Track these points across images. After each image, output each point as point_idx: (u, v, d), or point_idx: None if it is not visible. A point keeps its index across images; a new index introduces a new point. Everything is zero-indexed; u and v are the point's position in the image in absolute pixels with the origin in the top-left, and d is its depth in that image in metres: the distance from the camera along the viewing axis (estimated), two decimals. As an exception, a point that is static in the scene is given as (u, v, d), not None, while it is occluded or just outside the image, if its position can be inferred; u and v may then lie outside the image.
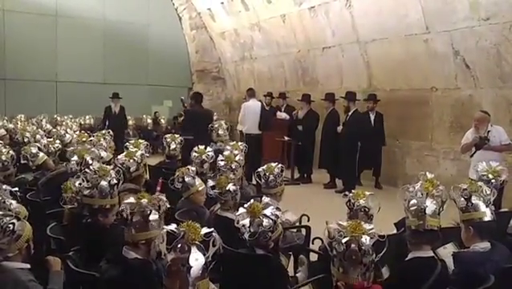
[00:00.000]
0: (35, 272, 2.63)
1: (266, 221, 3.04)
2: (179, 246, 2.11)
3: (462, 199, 3.06)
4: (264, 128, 9.49)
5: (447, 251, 3.23)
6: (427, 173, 3.43)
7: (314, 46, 11.24)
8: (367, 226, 2.40)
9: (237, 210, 3.24)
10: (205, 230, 2.17)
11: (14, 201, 3.18)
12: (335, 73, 10.79)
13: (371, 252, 2.33)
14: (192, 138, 7.54)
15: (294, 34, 11.71)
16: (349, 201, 3.48)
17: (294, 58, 12.11)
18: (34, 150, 5.75)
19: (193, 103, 8.98)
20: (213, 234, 2.17)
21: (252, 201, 3.19)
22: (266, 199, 3.23)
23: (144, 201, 2.77)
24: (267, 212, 3.07)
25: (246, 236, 3.03)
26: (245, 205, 3.16)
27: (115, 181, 3.50)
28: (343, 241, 2.34)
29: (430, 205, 2.88)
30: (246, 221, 3.06)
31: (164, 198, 2.91)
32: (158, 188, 5.04)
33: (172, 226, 2.19)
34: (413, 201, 2.93)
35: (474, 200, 3.04)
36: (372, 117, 9.12)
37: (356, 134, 8.66)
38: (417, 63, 8.66)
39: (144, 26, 15.17)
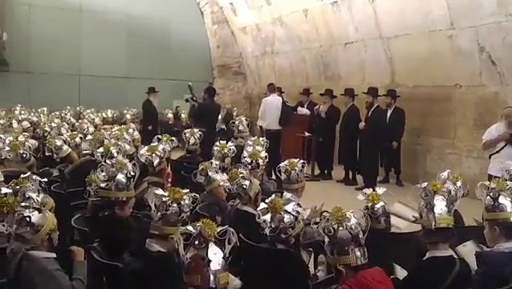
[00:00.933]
0: (60, 261, 2.69)
1: (287, 217, 3.04)
2: (196, 242, 2.14)
3: (489, 198, 3.00)
4: (284, 124, 9.47)
5: (467, 249, 3.19)
6: (446, 172, 3.37)
7: (336, 41, 11.17)
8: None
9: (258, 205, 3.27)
10: (220, 228, 2.19)
11: (41, 194, 3.23)
12: (357, 69, 10.70)
13: (359, 228, 2.50)
14: (204, 130, 7.59)
15: (317, 29, 11.65)
16: (367, 208, 3.42)
17: (316, 53, 12.05)
18: (58, 143, 5.84)
19: (205, 97, 9.34)
20: (229, 230, 2.19)
21: (273, 196, 3.20)
22: (287, 195, 3.23)
23: (178, 196, 2.80)
24: (288, 208, 3.07)
25: (267, 231, 3.05)
26: (267, 201, 3.17)
27: (131, 174, 3.54)
28: (332, 226, 2.49)
29: (439, 204, 2.85)
30: (267, 217, 3.07)
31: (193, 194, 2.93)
32: (169, 179, 5.04)
33: (189, 227, 2.22)
34: (422, 201, 2.91)
35: (502, 199, 2.98)
36: (389, 114, 8.97)
37: (377, 130, 8.59)
38: (441, 60, 8.53)
39: (166, 20, 15.27)
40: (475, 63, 7.92)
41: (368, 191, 3.52)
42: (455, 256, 2.88)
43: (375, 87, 8.88)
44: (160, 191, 2.86)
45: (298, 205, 3.18)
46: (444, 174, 3.45)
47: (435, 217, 2.81)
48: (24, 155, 5.17)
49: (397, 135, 8.94)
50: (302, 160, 4.55)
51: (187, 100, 10.68)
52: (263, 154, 5.25)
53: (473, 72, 8.02)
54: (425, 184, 2.98)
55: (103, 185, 3.47)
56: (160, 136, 6.01)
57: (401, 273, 3.11)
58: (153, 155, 4.85)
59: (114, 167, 3.50)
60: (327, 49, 11.62)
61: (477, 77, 7.97)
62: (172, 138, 5.99)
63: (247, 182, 4.02)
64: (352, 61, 10.80)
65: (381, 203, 3.44)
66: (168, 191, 2.85)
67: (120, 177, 3.46)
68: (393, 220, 3.77)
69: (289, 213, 3.05)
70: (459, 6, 7.87)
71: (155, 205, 2.76)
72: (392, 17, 9.27)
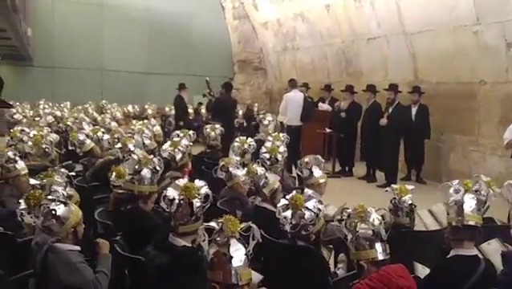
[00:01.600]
0: (85, 254, 2.73)
1: (307, 214, 3.03)
2: (218, 238, 2.14)
3: None
4: (305, 120, 9.43)
5: (491, 248, 3.15)
6: (482, 176, 3.31)
7: (358, 37, 11.06)
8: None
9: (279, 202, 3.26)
10: (243, 224, 2.19)
11: (67, 187, 3.27)
12: (379, 65, 10.59)
13: (380, 224, 2.51)
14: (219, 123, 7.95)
15: (339, 25, 11.55)
16: (394, 198, 3.42)
17: (338, 49, 11.95)
18: (81, 137, 5.93)
19: (222, 92, 9.58)
20: (253, 227, 2.19)
21: (294, 193, 3.19)
22: (308, 192, 3.21)
23: (196, 194, 2.81)
24: (309, 204, 3.06)
25: (288, 228, 3.04)
26: (287, 197, 3.16)
27: (157, 169, 3.58)
28: (355, 221, 2.52)
29: (469, 202, 2.83)
30: (288, 213, 3.06)
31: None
32: (185, 176, 5.01)
33: (211, 223, 2.22)
34: (452, 198, 2.89)
35: None
36: (414, 111, 8.85)
37: (399, 127, 8.49)
38: (465, 56, 8.37)
39: (187, 16, 15.32)
40: (501, 59, 7.75)
41: (396, 186, 3.51)
42: (480, 256, 2.84)
43: (396, 84, 8.77)
44: (170, 191, 2.87)
45: (320, 201, 3.16)
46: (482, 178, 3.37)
47: (464, 215, 2.77)
48: (46, 149, 5.27)
49: (426, 132, 8.82)
50: (318, 156, 4.54)
51: (204, 95, 10.85)
52: (282, 149, 5.23)
53: (499, 69, 7.85)
54: (456, 182, 2.95)
55: (128, 178, 3.51)
56: (178, 132, 6.06)
57: (422, 272, 3.08)
58: (176, 150, 4.88)
59: (140, 162, 3.54)
60: (349, 45, 11.51)
61: (503, 73, 7.80)
62: (190, 133, 6.03)
63: (262, 180, 4.01)
64: (374, 57, 10.68)
65: (409, 197, 3.42)
66: (183, 190, 2.84)
67: (146, 171, 3.51)
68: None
69: (310, 209, 3.04)
70: (485, 1, 7.70)
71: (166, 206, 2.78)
72: (415, 12, 9.13)
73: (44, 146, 5.26)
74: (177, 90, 12.05)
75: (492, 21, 7.69)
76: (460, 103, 8.65)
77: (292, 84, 9.69)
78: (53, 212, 2.66)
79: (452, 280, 2.68)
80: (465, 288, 2.64)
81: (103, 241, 2.86)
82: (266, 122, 7.58)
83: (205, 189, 2.85)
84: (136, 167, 3.53)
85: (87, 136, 6.10)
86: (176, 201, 2.77)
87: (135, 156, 3.65)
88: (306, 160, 4.45)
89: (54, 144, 5.61)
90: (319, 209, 3.07)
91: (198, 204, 2.79)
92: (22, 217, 3.10)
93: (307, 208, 3.04)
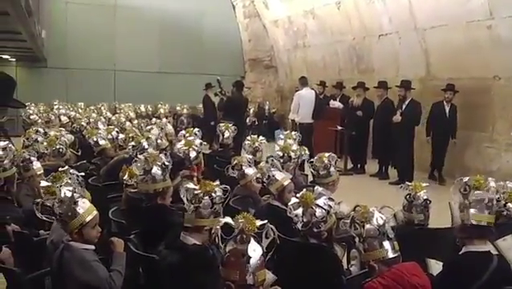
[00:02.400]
0: (99, 252, 2.76)
1: (318, 212, 3.04)
2: (238, 237, 2.14)
3: None
4: (317, 117, 9.41)
5: (507, 243, 3.12)
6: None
7: (369, 33, 11.00)
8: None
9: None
10: (259, 222, 2.20)
11: (77, 187, 3.31)
12: (391, 61, 10.51)
13: (385, 222, 2.50)
14: (230, 121, 8.15)
15: (350, 21, 11.49)
16: (409, 194, 3.40)
17: (349, 45, 11.90)
18: (95, 137, 6.00)
19: (234, 91, 9.74)
20: (267, 226, 2.19)
21: (304, 191, 3.19)
22: (318, 189, 3.22)
23: (210, 188, 2.83)
24: (320, 202, 3.06)
25: (299, 226, 3.05)
26: (298, 195, 3.17)
27: (166, 164, 3.61)
28: (359, 223, 2.53)
29: (475, 201, 2.79)
30: (299, 211, 3.07)
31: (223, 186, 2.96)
32: (194, 173, 5.01)
33: (228, 219, 2.23)
34: (460, 197, 2.87)
35: None
36: (447, 108, 8.58)
37: (413, 124, 8.43)
38: (479, 51, 8.28)
39: (198, 15, 15.37)
40: (516, 53, 7.66)
41: (411, 183, 3.49)
42: (493, 252, 2.81)
43: (408, 80, 8.71)
44: (191, 185, 2.90)
45: (330, 199, 3.17)
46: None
47: (470, 214, 2.75)
48: (60, 149, 5.33)
49: (455, 130, 8.63)
50: (332, 154, 4.53)
51: (216, 94, 10.88)
52: (295, 147, 5.24)
53: (513, 63, 7.76)
54: (466, 179, 2.92)
55: (140, 178, 3.55)
56: (184, 132, 6.10)
57: (436, 267, 3.07)
58: (190, 149, 4.92)
59: (147, 160, 3.58)
60: (360, 41, 11.45)
61: (518, 68, 7.70)
62: (196, 132, 6.07)
63: (269, 178, 4.02)
64: (386, 53, 10.61)
65: (424, 193, 3.39)
66: (200, 184, 2.88)
67: (156, 169, 3.54)
68: None
69: (320, 207, 3.04)
70: (499, -5, 7.61)
71: (187, 199, 2.80)
72: (427, 7, 9.05)
73: (58, 146, 5.32)
74: (204, 90, 12.08)
75: (506, 15, 7.59)
76: (474, 99, 8.56)
77: (303, 82, 9.68)
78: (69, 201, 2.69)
79: (464, 277, 2.67)
80: (477, 285, 2.62)
81: (118, 239, 2.88)
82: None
83: (221, 186, 2.89)
84: (145, 167, 3.57)
85: (101, 135, 6.16)
86: (197, 193, 2.80)
87: (141, 157, 3.69)
88: (324, 158, 4.43)
89: (69, 145, 5.68)
90: (330, 206, 3.07)
91: (218, 197, 2.82)
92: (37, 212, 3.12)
93: (318, 205, 3.05)
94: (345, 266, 3.42)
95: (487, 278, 2.63)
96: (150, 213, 3.48)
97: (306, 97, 9.40)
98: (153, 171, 3.54)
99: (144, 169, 3.56)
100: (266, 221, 2.22)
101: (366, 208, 2.57)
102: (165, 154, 3.78)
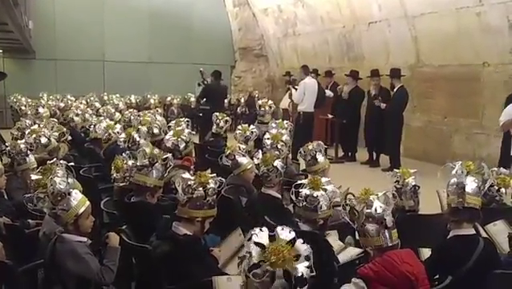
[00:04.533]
0: (91, 243, 2.76)
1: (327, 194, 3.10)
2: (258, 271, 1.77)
3: None
4: (318, 106, 9.43)
5: (496, 228, 3.17)
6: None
7: (359, 21, 10.98)
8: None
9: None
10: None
11: (69, 178, 3.29)
12: (381, 49, 10.52)
13: (385, 210, 2.48)
14: (208, 109, 9.12)
15: (340, 9, 11.46)
16: (397, 181, 3.43)
17: (339, 33, 11.88)
18: (92, 124, 5.99)
19: (212, 80, 10.11)
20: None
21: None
22: (324, 179, 3.24)
23: (207, 180, 2.83)
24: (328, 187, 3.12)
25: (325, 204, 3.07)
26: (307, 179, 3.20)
27: (168, 165, 3.59)
28: (359, 209, 2.52)
29: (470, 184, 2.84)
30: (320, 192, 3.10)
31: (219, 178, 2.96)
32: (186, 163, 4.98)
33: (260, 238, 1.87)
34: (453, 180, 2.90)
35: None
36: None
37: (400, 111, 8.47)
38: (468, 38, 8.31)
39: (187, 4, 15.24)
40: (505, 40, 7.69)
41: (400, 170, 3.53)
42: (485, 235, 2.85)
43: (397, 68, 8.72)
44: (187, 175, 2.90)
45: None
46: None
47: (464, 196, 2.79)
48: (49, 141, 5.29)
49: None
50: (320, 142, 4.57)
51: (199, 84, 11.00)
52: (285, 138, 5.26)
53: (502, 50, 7.79)
54: (459, 163, 2.95)
55: (139, 170, 3.51)
56: (173, 122, 6.08)
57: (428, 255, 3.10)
58: (179, 139, 4.90)
59: (155, 156, 3.56)
60: (350, 29, 11.44)
61: (507, 55, 7.74)
62: (182, 122, 6.05)
63: (282, 164, 4.03)
64: (376, 41, 10.61)
65: (412, 179, 3.43)
66: (195, 175, 2.88)
67: (159, 165, 3.51)
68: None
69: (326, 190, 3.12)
70: (487, -18, 7.63)
71: (181, 188, 2.80)
72: (417, -6, 9.05)
73: (48, 137, 5.29)
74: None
75: (495, 1, 7.62)
76: (463, 85, 8.61)
77: (306, 71, 9.62)
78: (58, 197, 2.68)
79: (452, 260, 2.71)
80: (465, 268, 2.66)
81: (115, 234, 2.87)
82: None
83: (216, 178, 2.89)
84: (150, 160, 3.54)
85: (89, 127, 6.15)
86: (191, 184, 2.79)
87: (148, 150, 3.67)
88: (310, 147, 4.48)
89: (59, 136, 5.64)
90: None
91: (212, 189, 2.82)
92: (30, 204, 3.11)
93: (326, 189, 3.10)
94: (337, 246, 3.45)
95: (474, 261, 2.67)
96: (135, 210, 3.45)
97: (311, 86, 9.36)
98: (157, 166, 3.50)
99: (149, 161, 3.53)
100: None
101: (367, 195, 2.57)
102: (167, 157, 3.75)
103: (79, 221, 2.70)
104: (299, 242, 1.86)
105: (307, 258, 1.81)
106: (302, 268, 1.78)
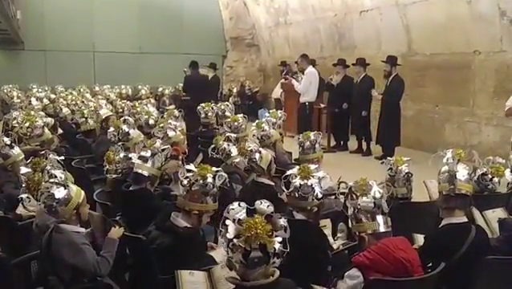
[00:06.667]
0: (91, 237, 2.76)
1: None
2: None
3: None
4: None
5: (495, 215, 3.20)
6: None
7: (351, 9, 10.95)
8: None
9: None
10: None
11: (59, 171, 3.27)
12: (372, 37, 10.51)
13: (381, 197, 2.52)
14: (189, 99, 9.50)
15: (331, -2, 11.42)
16: (390, 168, 3.45)
17: (331, 22, 11.84)
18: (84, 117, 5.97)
19: (191, 70, 10.35)
20: None
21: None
22: (312, 166, 3.24)
23: (206, 173, 2.83)
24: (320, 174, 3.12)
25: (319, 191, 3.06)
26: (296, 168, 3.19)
27: (167, 157, 3.64)
28: (356, 194, 2.56)
29: (461, 171, 2.87)
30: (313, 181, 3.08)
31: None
32: (176, 153, 4.98)
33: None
34: (445, 167, 2.93)
35: None
36: None
37: (397, 99, 8.46)
38: (459, 26, 8.32)
39: (177, -7, 15.11)
40: (495, 28, 7.71)
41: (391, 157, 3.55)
42: (482, 221, 2.87)
43: (393, 56, 8.68)
44: (190, 166, 2.91)
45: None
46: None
47: (456, 184, 2.81)
48: (38, 132, 5.25)
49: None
50: (316, 132, 4.59)
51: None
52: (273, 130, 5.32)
53: (493, 38, 7.81)
54: (450, 151, 2.97)
55: (140, 159, 3.54)
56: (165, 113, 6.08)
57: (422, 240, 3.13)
58: (168, 129, 4.90)
59: (159, 148, 3.60)
60: (341, 18, 11.41)
61: (498, 43, 7.76)
62: (174, 111, 6.08)
63: (257, 155, 4.03)
64: (368, 30, 10.59)
65: (405, 167, 3.45)
66: (198, 168, 2.88)
67: (160, 156, 3.56)
68: None
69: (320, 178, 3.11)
70: (478, -30, 7.62)
71: (181, 181, 2.80)
72: (408, -17, 9.03)
73: (37, 129, 5.25)
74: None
75: (486, -11, 7.62)
76: (454, 73, 8.63)
77: (308, 60, 9.55)
78: (54, 195, 2.67)
79: (444, 248, 2.73)
80: (457, 255, 2.68)
81: (117, 228, 2.87)
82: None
83: (221, 173, 2.91)
84: (152, 150, 3.59)
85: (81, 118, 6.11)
86: (191, 177, 2.81)
87: (157, 143, 3.72)
88: (310, 136, 4.50)
89: (49, 127, 5.60)
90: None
91: (210, 183, 2.82)
92: (24, 203, 3.11)
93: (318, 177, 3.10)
94: (331, 241, 3.46)
95: (466, 249, 2.69)
96: (135, 198, 3.46)
97: (316, 76, 9.33)
98: (157, 156, 3.58)
99: (151, 152, 3.56)
100: None
101: (365, 180, 2.60)
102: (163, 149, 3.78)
103: (80, 210, 2.76)
104: (276, 216, 1.95)
105: (284, 231, 1.88)
106: (277, 242, 1.96)
